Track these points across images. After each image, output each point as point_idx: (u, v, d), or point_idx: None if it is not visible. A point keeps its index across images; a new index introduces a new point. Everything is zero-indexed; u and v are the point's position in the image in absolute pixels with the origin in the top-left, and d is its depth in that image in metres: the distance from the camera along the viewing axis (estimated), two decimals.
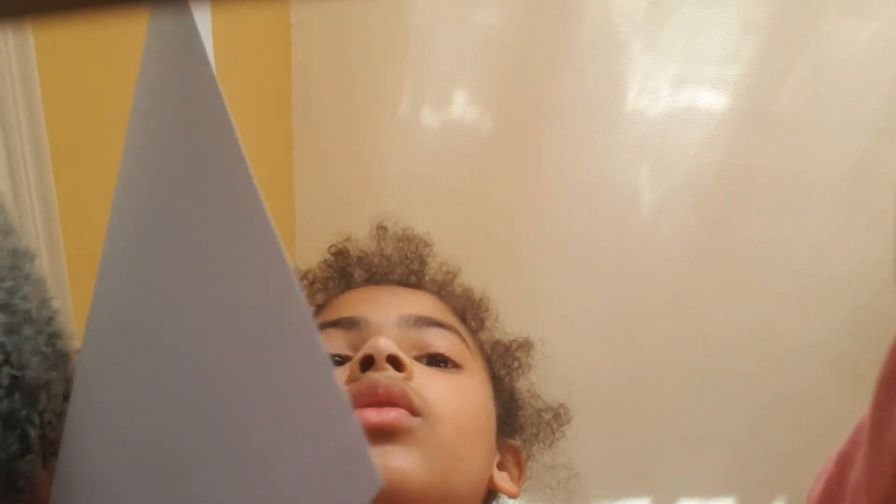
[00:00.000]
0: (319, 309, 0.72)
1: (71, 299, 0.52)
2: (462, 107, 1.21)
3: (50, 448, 0.39)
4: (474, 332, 0.74)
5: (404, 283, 0.75)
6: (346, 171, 1.25)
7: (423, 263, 0.79)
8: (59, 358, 0.42)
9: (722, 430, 1.33)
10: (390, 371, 0.55)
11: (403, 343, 0.60)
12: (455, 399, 0.58)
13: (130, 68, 0.42)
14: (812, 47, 1.14)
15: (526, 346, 0.80)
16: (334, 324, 0.63)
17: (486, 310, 0.80)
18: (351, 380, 0.56)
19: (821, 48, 1.14)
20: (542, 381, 1.32)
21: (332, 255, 0.79)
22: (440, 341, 0.62)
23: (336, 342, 0.61)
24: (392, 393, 0.53)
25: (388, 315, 0.63)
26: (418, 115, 1.21)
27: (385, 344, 0.56)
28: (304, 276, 0.79)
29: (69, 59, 0.58)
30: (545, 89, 1.19)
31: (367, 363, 0.55)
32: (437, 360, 0.61)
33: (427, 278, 0.78)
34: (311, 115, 1.23)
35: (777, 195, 1.21)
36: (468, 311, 0.76)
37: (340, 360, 0.59)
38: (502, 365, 0.76)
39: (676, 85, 1.19)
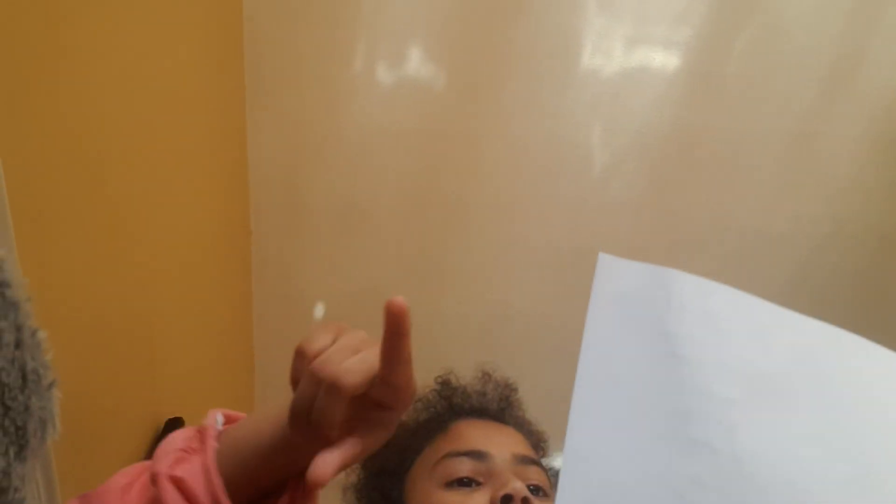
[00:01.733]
0: (427, 430, 0.87)
1: (16, 248, 0.52)
2: (416, 63, 1.21)
3: (7, 392, 0.39)
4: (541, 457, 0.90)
5: (498, 419, 0.90)
6: (299, 125, 1.24)
7: (510, 403, 0.94)
8: (8, 307, 0.42)
9: None
10: None
11: (517, 476, 0.76)
12: None
13: None
14: (760, 9, 1.16)
15: None
16: (466, 454, 0.79)
17: (546, 441, 0.95)
18: None
19: (769, 10, 1.16)
20: (496, 340, 1.35)
21: (438, 383, 0.95)
22: (538, 476, 0.80)
23: (466, 467, 0.78)
24: None
25: (505, 452, 0.80)
26: (373, 71, 1.21)
27: (521, 488, 0.72)
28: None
29: None
30: (499, 46, 1.19)
31: (507, 499, 0.72)
32: (535, 490, 0.77)
33: (512, 413, 0.93)
34: (263, 69, 1.21)
35: (725, 154, 1.23)
36: (537, 443, 0.92)
37: (468, 482, 0.77)
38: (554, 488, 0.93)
39: (629, 45, 1.20)
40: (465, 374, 0.97)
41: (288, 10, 1.18)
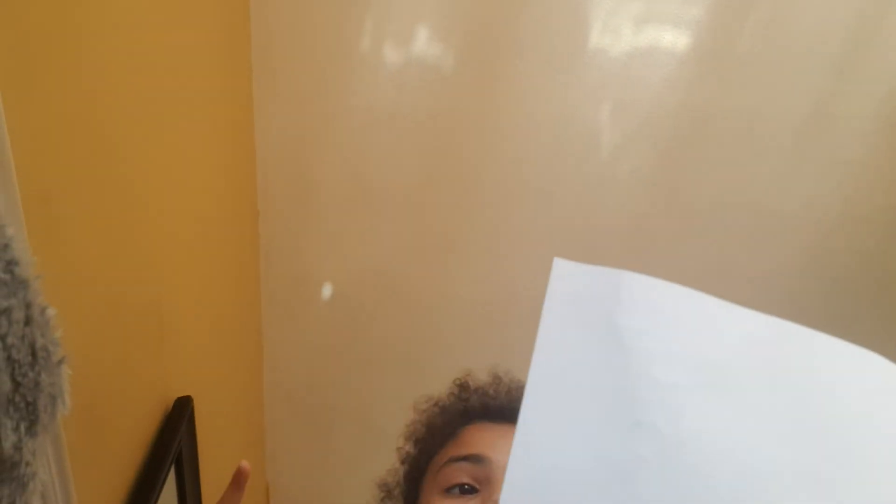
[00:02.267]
0: (441, 436, 0.89)
1: (25, 227, 0.52)
2: (424, 44, 1.20)
3: (18, 368, 0.40)
4: None
5: (510, 420, 0.89)
6: (306, 106, 1.24)
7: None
8: (18, 285, 0.42)
9: None
10: None
11: None
12: None
13: None
14: None
15: None
16: (464, 458, 0.80)
17: None
18: None
19: None
20: (504, 322, 1.35)
21: (456, 386, 0.96)
22: None
23: (464, 472, 0.79)
24: None
25: (504, 457, 0.81)
26: (381, 51, 1.20)
27: None
28: (432, 401, 0.97)
29: None
30: (507, 27, 1.18)
31: None
32: None
33: None
34: (270, 50, 1.21)
35: (735, 134, 1.22)
36: None
37: (468, 489, 0.77)
38: None
39: (638, 24, 1.19)
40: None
41: None
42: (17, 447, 0.41)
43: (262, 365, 1.47)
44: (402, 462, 0.95)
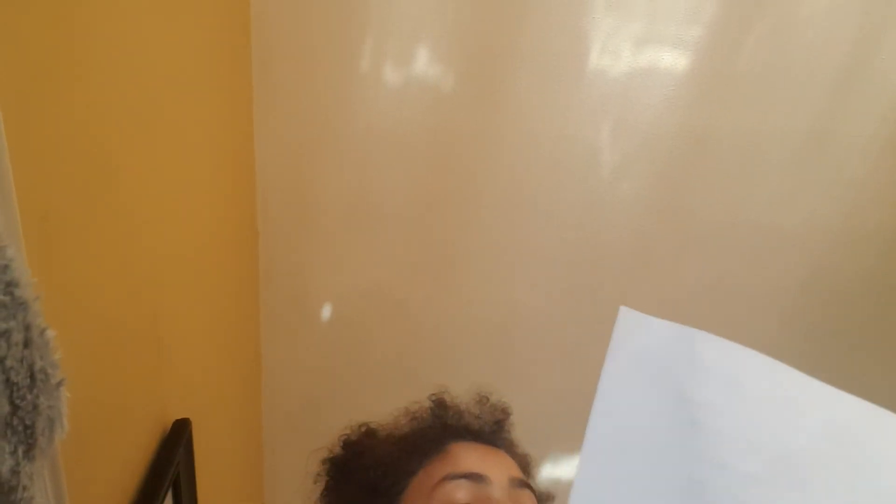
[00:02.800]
0: (423, 451, 0.85)
1: (25, 248, 0.51)
2: (425, 62, 1.20)
3: (16, 391, 0.39)
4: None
5: (492, 442, 0.90)
6: (307, 125, 1.24)
7: (502, 427, 0.94)
8: (17, 306, 0.42)
9: None
10: None
11: (510, 499, 0.78)
12: None
13: None
14: (772, 8, 1.15)
15: (551, 498, 0.95)
16: (465, 477, 0.79)
17: (532, 464, 0.95)
18: None
19: (780, 9, 1.15)
20: (503, 338, 1.34)
21: (433, 402, 0.94)
22: (530, 501, 0.80)
23: (466, 492, 0.78)
24: None
25: (502, 476, 0.80)
26: (381, 70, 1.20)
27: None
28: (406, 411, 0.95)
29: None
30: (507, 47, 1.19)
31: None
32: None
33: (503, 436, 0.93)
34: (271, 68, 1.21)
35: (735, 154, 1.23)
36: (527, 466, 0.93)
37: None
38: None
39: (638, 44, 1.19)
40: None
41: (296, 9, 1.18)
42: (15, 471, 0.41)
43: (261, 386, 1.46)
44: (357, 471, 0.90)
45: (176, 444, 0.91)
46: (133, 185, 0.78)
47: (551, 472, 1.33)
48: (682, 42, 1.18)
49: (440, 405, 0.93)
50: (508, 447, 0.90)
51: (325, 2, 1.17)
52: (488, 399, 0.95)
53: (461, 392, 0.95)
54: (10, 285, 0.41)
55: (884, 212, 1.24)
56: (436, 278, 1.31)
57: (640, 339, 0.53)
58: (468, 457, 0.83)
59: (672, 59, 1.20)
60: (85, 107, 0.65)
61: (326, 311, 1.38)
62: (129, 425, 0.84)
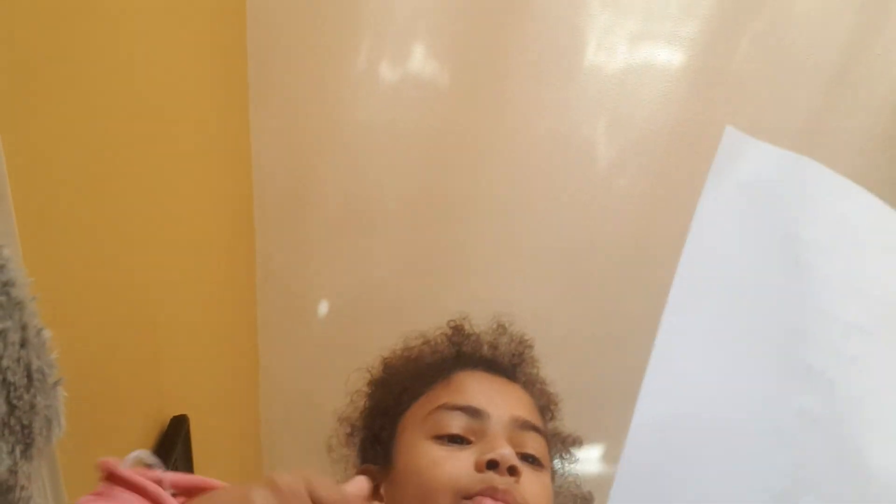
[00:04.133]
0: (429, 377, 0.83)
1: (21, 247, 0.51)
2: (420, 60, 1.21)
3: (13, 391, 0.39)
4: (547, 423, 0.86)
5: (507, 374, 0.85)
6: (302, 124, 1.24)
7: (523, 360, 0.90)
8: (13, 306, 0.42)
9: None
10: (506, 477, 0.69)
11: (510, 440, 0.74)
12: (543, 497, 0.73)
13: None
14: (767, 5, 1.15)
15: (578, 442, 0.91)
16: (461, 409, 0.75)
17: (557, 403, 0.90)
18: (477, 469, 0.69)
19: (775, 6, 1.15)
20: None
21: (451, 328, 0.90)
22: (535, 444, 0.76)
23: (459, 422, 0.74)
24: (507, 497, 0.68)
25: (504, 414, 0.75)
26: (376, 69, 1.20)
27: (510, 455, 0.69)
28: (424, 338, 0.91)
29: None
30: (504, 43, 1.19)
31: (492, 465, 0.69)
32: (529, 458, 0.74)
33: (523, 370, 0.89)
34: (267, 68, 1.21)
35: None
36: (546, 406, 0.88)
37: (460, 440, 0.73)
38: (559, 456, 0.88)
39: (634, 41, 1.19)
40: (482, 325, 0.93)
41: (291, 9, 1.18)
42: (13, 471, 0.41)
43: (259, 383, 1.46)
44: (372, 392, 0.89)
45: (174, 441, 0.91)
46: (129, 184, 0.78)
47: None
48: (677, 38, 1.19)
49: (457, 331, 0.90)
50: (528, 383, 0.86)
51: (320, 1, 1.17)
52: (506, 328, 0.91)
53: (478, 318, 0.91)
54: (7, 285, 0.42)
55: None
56: (431, 277, 1.31)
57: (747, 164, 0.48)
58: (471, 388, 0.79)
59: (667, 56, 1.20)
60: (80, 107, 0.65)
61: (323, 309, 1.39)
62: (126, 422, 0.84)
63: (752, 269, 0.43)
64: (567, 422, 1.29)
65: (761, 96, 1.20)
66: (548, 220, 1.27)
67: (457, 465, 0.70)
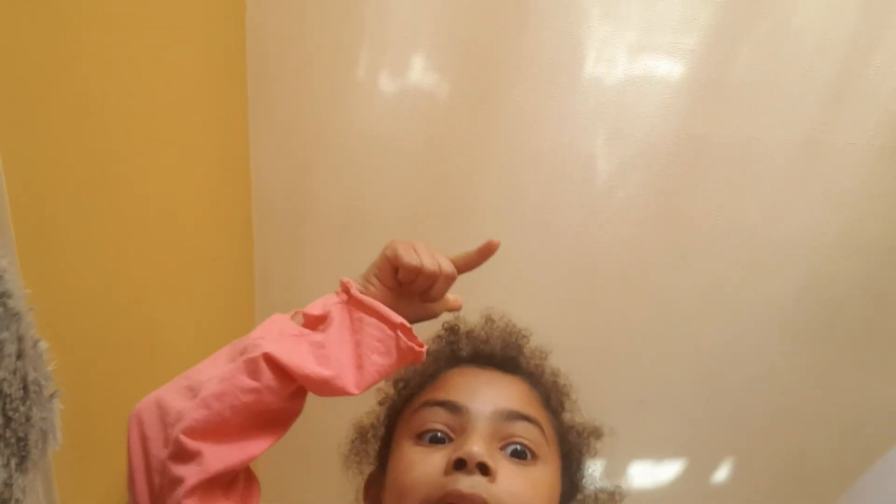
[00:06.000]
0: (422, 378, 0.83)
1: (18, 258, 0.51)
2: (420, 71, 1.21)
3: (9, 403, 0.39)
4: (555, 414, 0.84)
5: (502, 367, 0.84)
6: (302, 134, 1.24)
7: (520, 351, 0.88)
8: (10, 318, 0.41)
9: (674, 392, 1.36)
10: (476, 476, 0.65)
11: (494, 434, 0.71)
12: (529, 493, 0.69)
13: None
14: (767, 16, 1.16)
15: (597, 433, 0.89)
16: (440, 404, 0.74)
17: (568, 394, 0.88)
18: (446, 472, 0.67)
19: (776, 17, 1.15)
20: None
21: (445, 330, 0.90)
22: (524, 433, 0.72)
23: (439, 419, 0.73)
24: (475, 501, 0.64)
25: (485, 407, 0.73)
26: (376, 79, 1.20)
27: (477, 453, 0.66)
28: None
29: None
30: (503, 55, 1.19)
31: (461, 464, 0.66)
32: (517, 451, 0.71)
33: (521, 362, 0.87)
34: (266, 78, 1.21)
35: (731, 162, 1.23)
36: (552, 396, 0.85)
37: (441, 437, 0.72)
38: (575, 448, 0.85)
39: (633, 53, 1.19)
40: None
41: (291, 19, 1.18)
42: (8, 484, 0.40)
43: None
44: (380, 403, 0.89)
45: None
46: (128, 193, 0.78)
47: None
48: (677, 50, 1.19)
49: (451, 332, 0.90)
50: (531, 374, 0.85)
51: (321, 10, 1.17)
52: (494, 321, 0.90)
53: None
54: (4, 296, 0.41)
55: (879, 221, 1.24)
56: None
57: None
58: (454, 383, 0.78)
59: (667, 68, 1.20)
60: (79, 115, 0.65)
61: None
62: (123, 435, 0.84)
63: None
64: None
65: (761, 108, 1.19)
66: (547, 231, 1.26)
67: (427, 470, 0.68)
